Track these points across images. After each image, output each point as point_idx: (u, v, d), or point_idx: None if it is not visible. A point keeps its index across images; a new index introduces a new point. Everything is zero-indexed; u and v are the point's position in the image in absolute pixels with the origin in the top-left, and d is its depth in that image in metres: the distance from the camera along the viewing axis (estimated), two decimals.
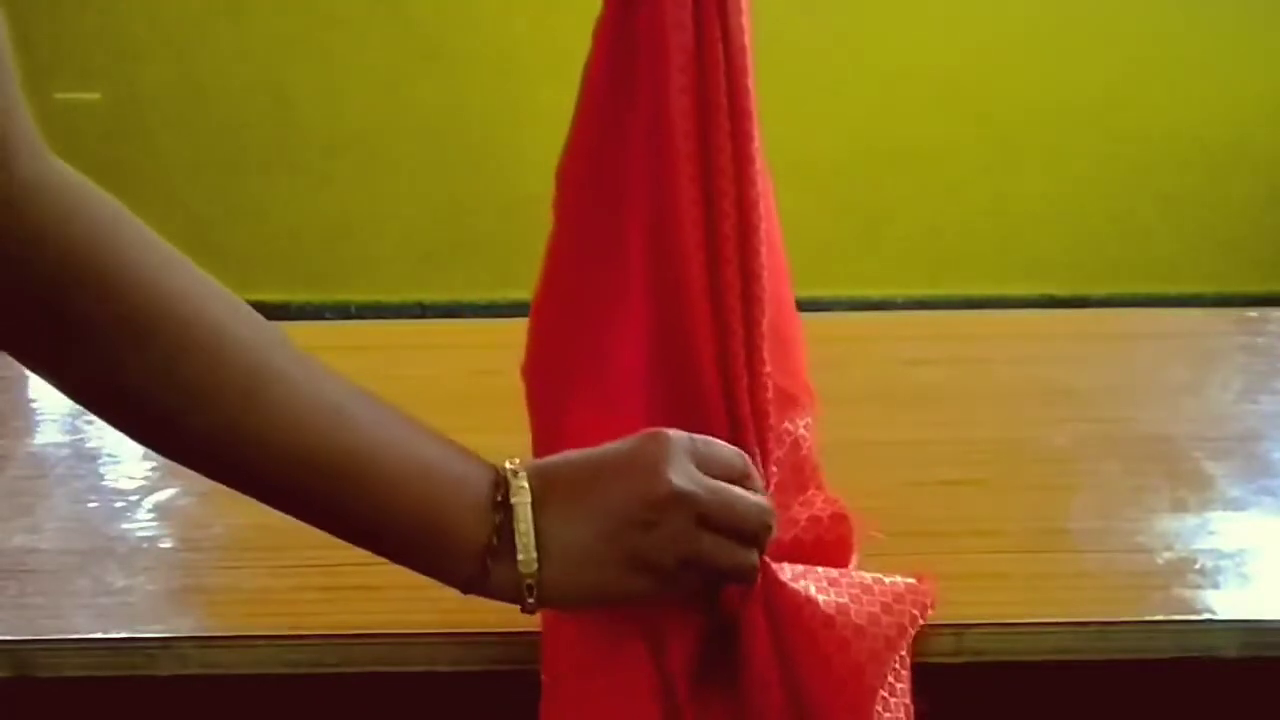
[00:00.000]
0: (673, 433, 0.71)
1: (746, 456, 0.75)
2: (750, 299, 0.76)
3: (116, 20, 2.91)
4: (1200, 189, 3.02)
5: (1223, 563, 0.92)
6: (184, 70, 2.96)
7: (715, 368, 0.77)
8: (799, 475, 0.82)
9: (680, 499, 0.69)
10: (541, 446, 0.80)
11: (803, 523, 0.80)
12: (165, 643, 0.86)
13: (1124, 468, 1.03)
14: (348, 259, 3.07)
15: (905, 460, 1.04)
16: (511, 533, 0.67)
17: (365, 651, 0.85)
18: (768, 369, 0.77)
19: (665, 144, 0.76)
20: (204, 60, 2.95)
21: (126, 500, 1.00)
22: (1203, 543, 0.94)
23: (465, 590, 0.69)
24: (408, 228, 3.05)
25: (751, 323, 0.76)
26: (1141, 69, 2.96)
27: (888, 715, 0.76)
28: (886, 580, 0.79)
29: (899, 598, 0.78)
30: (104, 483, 1.02)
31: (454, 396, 1.09)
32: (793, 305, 0.85)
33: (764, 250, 0.77)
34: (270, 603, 0.89)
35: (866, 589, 0.77)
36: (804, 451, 0.83)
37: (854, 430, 1.08)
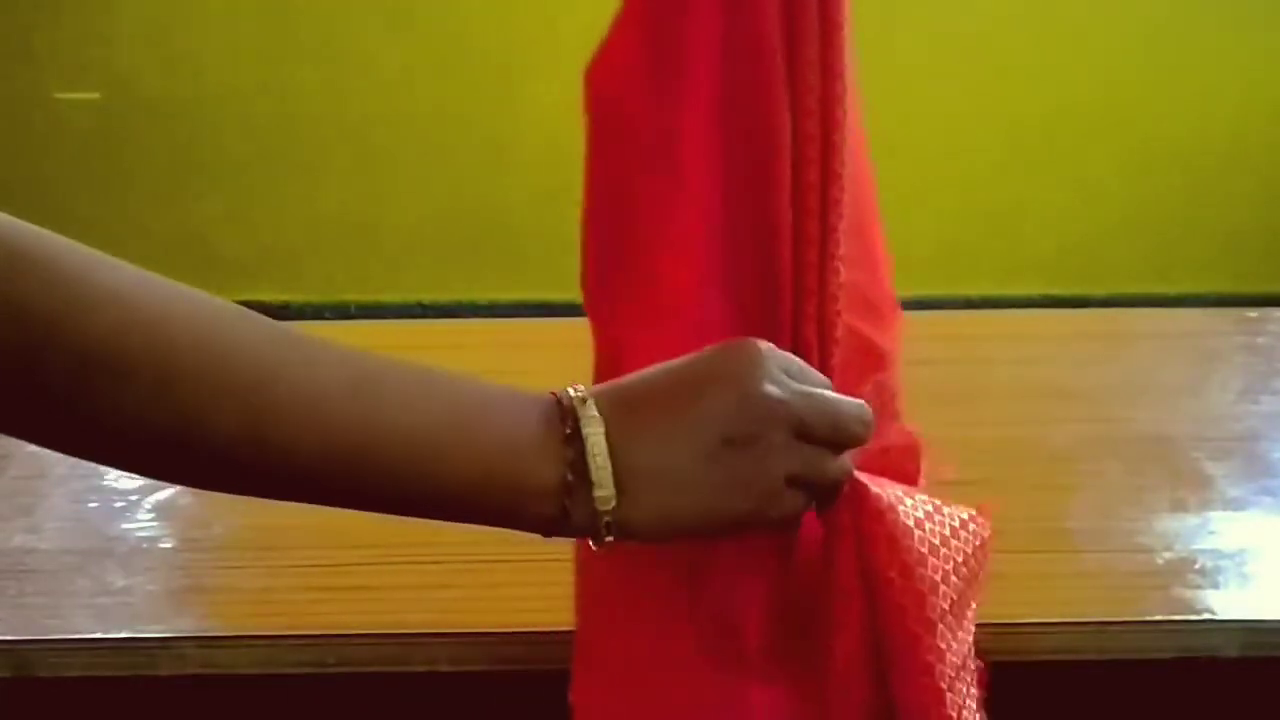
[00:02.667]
0: (758, 341, 0.65)
1: (819, 371, 0.70)
2: (829, 202, 0.71)
3: (116, 21, 2.91)
4: (1201, 189, 3.02)
5: (1223, 563, 0.92)
6: (183, 71, 2.95)
7: (790, 274, 0.71)
8: (880, 395, 0.76)
9: (781, 408, 0.63)
10: (604, 369, 0.73)
11: (873, 451, 0.73)
12: (165, 642, 0.86)
13: (1124, 467, 1.03)
14: (347, 259, 3.07)
15: None
16: (586, 467, 0.61)
17: (365, 651, 0.85)
18: (841, 278, 0.72)
19: (743, 32, 0.71)
20: (203, 61, 2.95)
21: (126, 500, 1.00)
22: (1203, 543, 0.94)
23: (547, 534, 0.63)
24: (408, 228, 3.05)
25: (829, 229, 0.71)
26: (1142, 70, 2.96)
27: (955, 646, 0.72)
28: (945, 509, 0.75)
29: (963, 524, 0.74)
30: (104, 483, 1.02)
31: None
32: (877, 215, 0.80)
33: (847, 152, 0.72)
34: (270, 602, 0.89)
35: (936, 509, 0.73)
36: (887, 371, 0.77)
37: None
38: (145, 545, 0.95)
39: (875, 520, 0.70)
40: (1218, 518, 0.97)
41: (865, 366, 0.76)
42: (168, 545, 0.95)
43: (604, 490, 0.61)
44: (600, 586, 0.74)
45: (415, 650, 0.85)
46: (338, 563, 0.85)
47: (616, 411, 0.62)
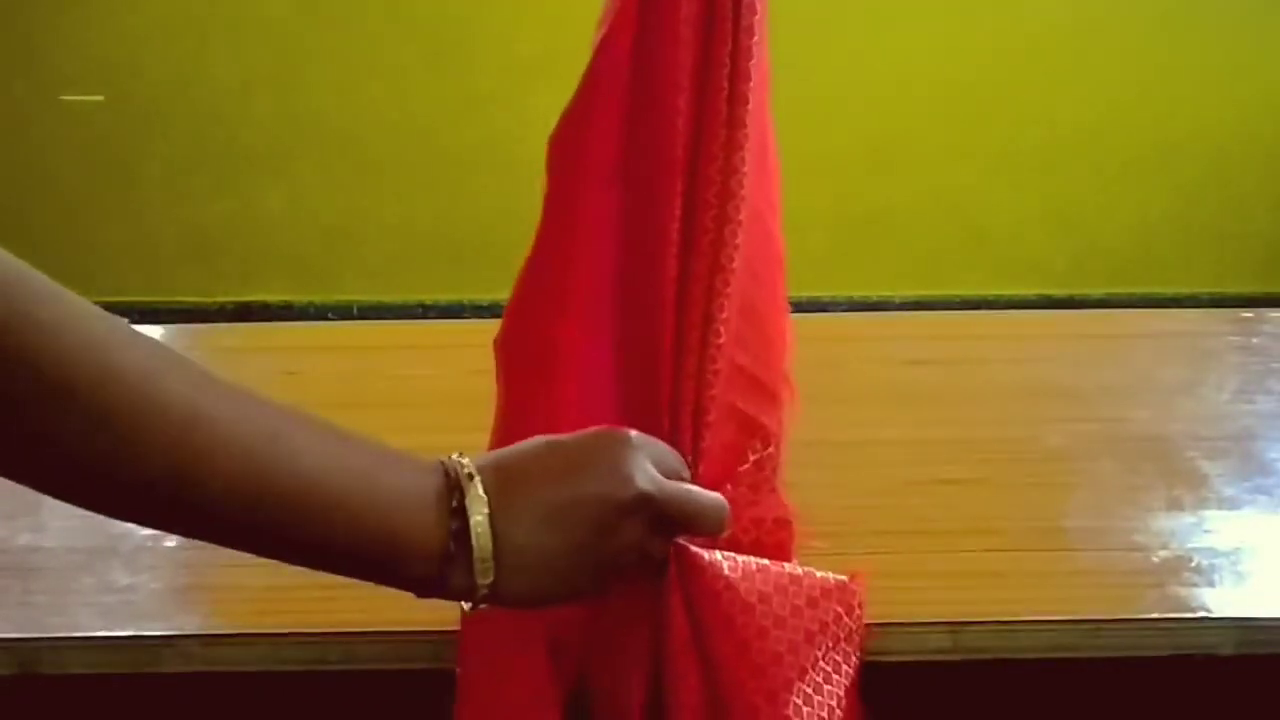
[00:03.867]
0: (632, 433, 0.71)
1: (681, 458, 0.75)
2: (714, 293, 0.75)
3: (120, 24, 2.92)
4: (1197, 191, 3.02)
5: (1218, 561, 0.93)
6: (186, 73, 2.96)
7: (670, 357, 0.76)
8: (760, 472, 0.82)
9: (645, 504, 0.69)
10: (503, 426, 0.79)
11: (744, 522, 0.79)
12: (169, 640, 0.86)
13: (1120, 467, 1.04)
14: (350, 260, 3.07)
15: (903, 459, 1.05)
16: (468, 540, 0.66)
17: (368, 649, 0.86)
18: (718, 365, 0.76)
19: (658, 123, 0.75)
20: (206, 63, 2.95)
21: None
22: (1198, 541, 0.95)
23: (422, 595, 0.68)
24: (409, 228, 3.05)
25: (709, 317, 0.76)
26: (1140, 71, 2.96)
27: (808, 710, 0.76)
28: (817, 574, 0.79)
29: (826, 593, 0.78)
30: None
31: (454, 396, 1.09)
32: (783, 301, 0.85)
33: (740, 244, 0.76)
34: (273, 600, 0.89)
35: (795, 580, 0.78)
36: (771, 449, 0.82)
37: (853, 430, 1.09)
38: (149, 543, 0.95)
39: (712, 600, 0.75)
40: (1213, 516, 0.98)
41: (746, 445, 0.80)
42: (171, 543, 0.96)
43: (484, 565, 0.66)
44: (479, 637, 0.79)
45: (418, 648, 0.86)
46: None
47: (500, 491, 0.67)
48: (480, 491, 0.66)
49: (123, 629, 0.87)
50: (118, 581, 0.91)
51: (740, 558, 0.77)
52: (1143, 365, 1.20)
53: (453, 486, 0.66)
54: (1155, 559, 0.93)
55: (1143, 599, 0.89)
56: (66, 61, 2.94)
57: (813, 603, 0.77)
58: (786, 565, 0.79)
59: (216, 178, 3.02)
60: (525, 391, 0.78)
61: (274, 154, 3.01)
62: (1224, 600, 0.89)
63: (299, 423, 0.65)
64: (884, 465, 1.04)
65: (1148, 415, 1.11)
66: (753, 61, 0.75)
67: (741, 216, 0.76)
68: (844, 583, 0.80)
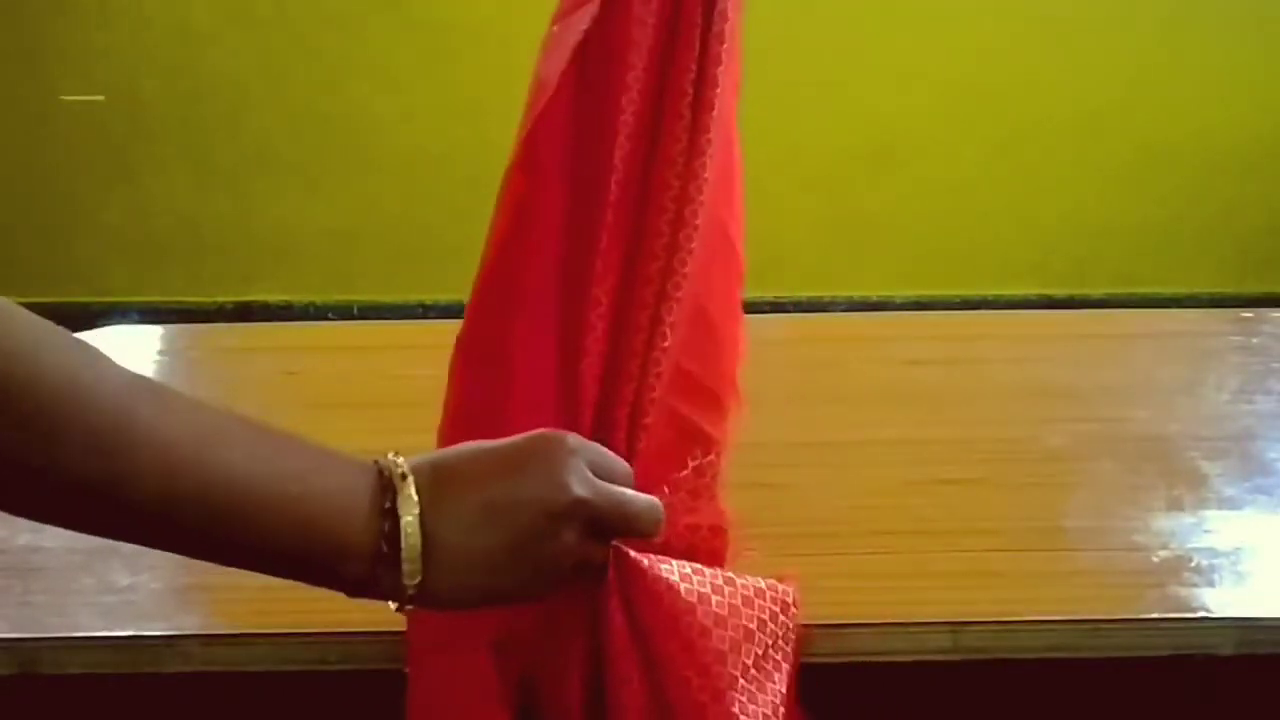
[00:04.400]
0: (569, 436, 0.71)
1: (624, 462, 0.74)
2: (664, 296, 0.75)
3: (121, 25, 2.92)
4: (1197, 190, 3.02)
5: (1218, 561, 0.93)
6: (186, 73, 2.96)
7: (603, 360, 0.76)
8: (699, 479, 0.81)
9: (582, 508, 0.69)
10: (450, 424, 0.78)
11: (679, 528, 0.79)
12: (169, 640, 0.86)
13: (1120, 467, 1.04)
14: (350, 260, 3.08)
15: (903, 459, 1.05)
16: (399, 541, 0.65)
17: (368, 649, 0.86)
18: (661, 369, 0.76)
19: (603, 122, 0.75)
20: (206, 63, 2.96)
21: None
22: (1198, 541, 0.95)
23: (354, 595, 0.67)
24: (410, 228, 3.05)
25: (657, 320, 0.75)
26: (1139, 71, 2.96)
27: (753, 708, 0.76)
28: (745, 579, 0.79)
29: (759, 593, 0.78)
30: None
31: None
32: (737, 308, 0.84)
33: (694, 251, 0.75)
34: (273, 600, 0.89)
35: (729, 581, 0.77)
36: (712, 456, 0.82)
37: (853, 430, 1.09)
38: None
39: (654, 601, 0.74)
40: (1213, 516, 0.98)
41: (686, 451, 0.80)
42: None
43: (411, 566, 0.66)
44: (425, 638, 0.79)
45: None
46: None
47: (433, 492, 0.66)
48: (412, 492, 0.66)
49: (123, 629, 0.87)
50: (118, 581, 0.91)
51: (675, 562, 0.77)
52: (1143, 365, 1.20)
53: (385, 486, 0.66)
54: (1155, 559, 0.93)
55: (1143, 599, 0.89)
56: (66, 61, 2.94)
57: (748, 602, 0.77)
58: (718, 570, 0.78)
59: (216, 178, 3.02)
60: (474, 389, 0.78)
61: (273, 154, 3.01)
62: (1224, 600, 0.89)
63: (231, 424, 0.64)
64: (884, 465, 1.04)
65: (1148, 415, 1.11)
66: (720, 68, 0.75)
67: (699, 221, 0.75)
68: (774, 584, 0.79)
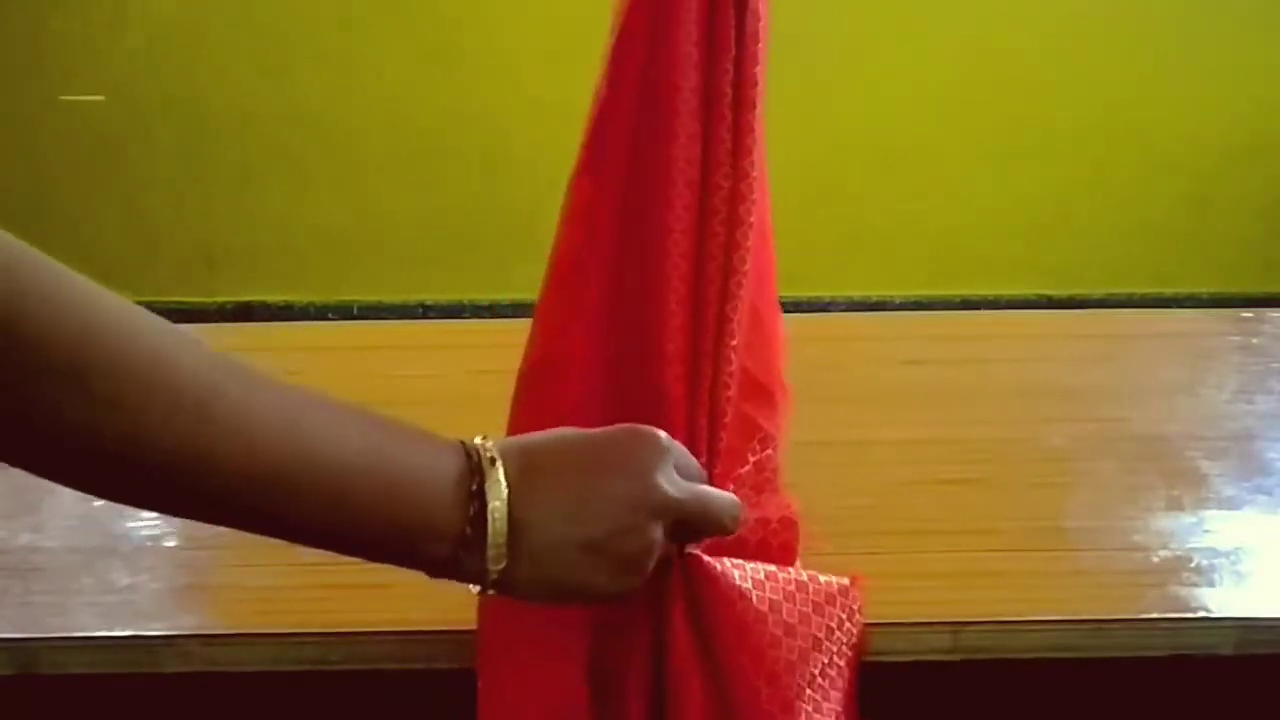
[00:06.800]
0: (662, 434, 0.70)
1: (697, 462, 0.75)
2: (728, 295, 0.76)
3: (120, 25, 2.92)
4: (1197, 191, 3.02)
5: (1218, 561, 0.93)
6: (186, 73, 2.96)
7: (683, 362, 0.76)
8: (760, 473, 0.82)
9: (671, 508, 0.69)
10: (528, 380, 0.79)
11: (751, 523, 0.79)
12: (169, 640, 0.86)
13: (1120, 467, 1.04)
14: (350, 260, 3.07)
15: (903, 459, 1.05)
16: (485, 525, 0.65)
17: (368, 649, 0.86)
18: (733, 367, 0.77)
19: (664, 131, 0.75)
20: (206, 63, 2.95)
21: None
22: (1198, 541, 0.95)
23: (435, 575, 0.67)
24: (409, 228, 3.05)
25: (724, 319, 0.76)
26: (1140, 71, 2.96)
27: (819, 717, 0.77)
28: (821, 579, 0.79)
29: (830, 599, 0.79)
30: None
31: (454, 396, 1.10)
32: (776, 302, 0.85)
33: (750, 249, 0.76)
34: (273, 600, 0.89)
35: (801, 587, 0.78)
36: (769, 450, 0.82)
37: (852, 430, 1.09)
38: (149, 543, 0.96)
39: (726, 609, 0.75)
40: (1213, 516, 0.98)
41: (747, 446, 0.81)
42: (172, 543, 0.96)
43: (497, 551, 0.65)
44: (499, 627, 0.78)
45: (419, 648, 0.86)
46: (341, 561, 0.85)
47: (521, 480, 0.66)
48: (500, 476, 0.65)
49: (123, 629, 0.87)
50: (118, 581, 0.91)
51: (749, 565, 0.77)
52: (1143, 365, 1.20)
53: (474, 469, 0.65)
54: (1155, 559, 0.93)
55: (1143, 599, 0.89)
56: (66, 61, 2.94)
57: (818, 609, 0.77)
58: (790, 570, 0.79)
59: (216, 178, 3.02)
60: (538, 394, 0.78)
61: (274, 154, 3.01)
62: (1224, 600, 0.89)
63: (316, 402, 0.64)
64: (884, 465, 1.04)
65: (1148, 415, 1.11)
66: (758, 68, 0.75)
67: (752, 219, 0.76)
68: (846, 587, 0.80)
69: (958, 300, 2.95)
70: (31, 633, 0.87)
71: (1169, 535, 0.95)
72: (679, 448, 0.72)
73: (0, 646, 0.86)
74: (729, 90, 0.75)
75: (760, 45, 0.75)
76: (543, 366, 0.79)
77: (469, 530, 0.65)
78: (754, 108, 0.75)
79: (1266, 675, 0.89)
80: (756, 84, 0.75)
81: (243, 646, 0.86)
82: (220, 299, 3.06)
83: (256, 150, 3.00)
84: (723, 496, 0.73)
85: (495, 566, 0.65)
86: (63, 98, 2.94)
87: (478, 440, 0.67)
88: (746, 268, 0.76)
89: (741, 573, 0.76)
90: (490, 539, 0.65)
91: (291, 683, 0.87)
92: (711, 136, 0.75)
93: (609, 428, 0.70)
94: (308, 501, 0.62)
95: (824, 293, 2.85)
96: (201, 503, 0.62)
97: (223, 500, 0.62)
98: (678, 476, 0.70)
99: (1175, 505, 0.99)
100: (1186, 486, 1.01)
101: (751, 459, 0.81)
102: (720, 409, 0.77)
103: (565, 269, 0.79)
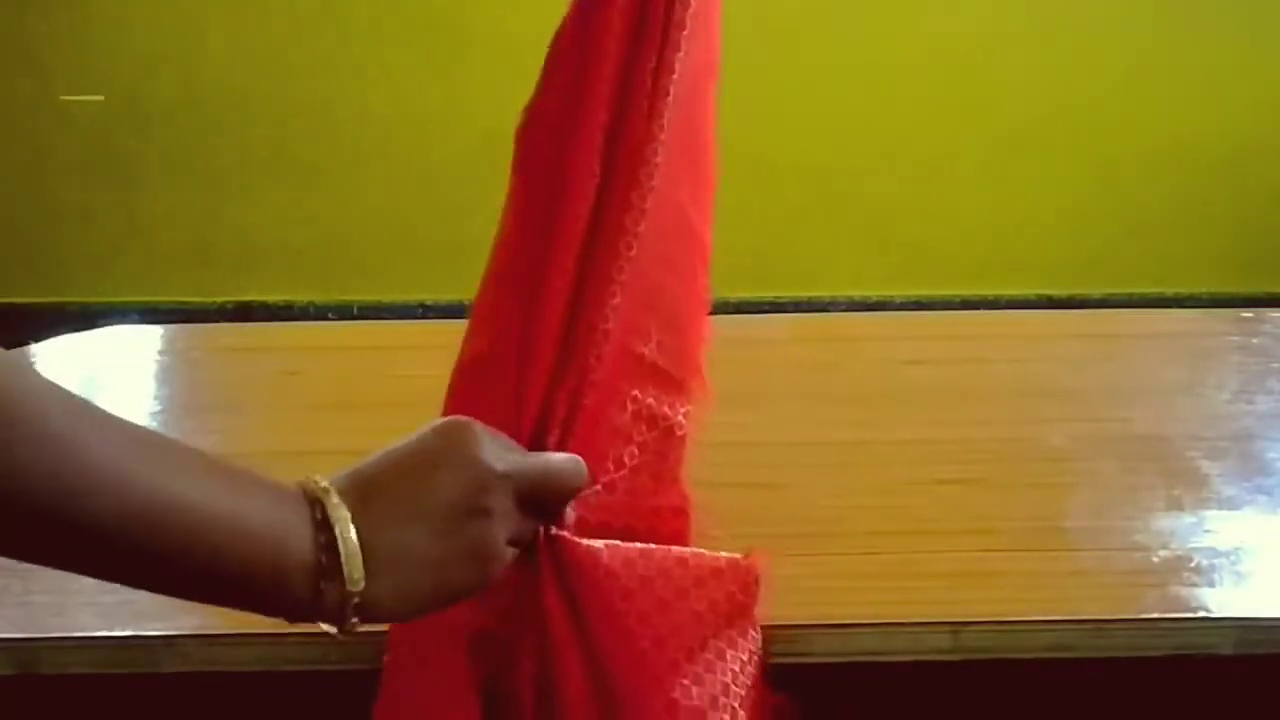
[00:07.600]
0: (466, 419, 0.70)
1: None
2: (607, 279, 0.76)
3: (120, 25, 2.92)
4: (1197, 190, 3.02)
5: (1218, 561, 0.93)
6: (186, 73, 2.96)
7: (553, 344, 0.77)
8: (662, 461, 0.81)
9: (502, 480, 0.69)
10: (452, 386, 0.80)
11: (642, 510, 0.79)
12: (169, 640, 0.86)
13: (1120, 467, 1.04)
14: (350, 259, 3.08)
15: (903, 459, 1.05)
16: (337, 549, 0.65)
17: (368, 649, 0.86)
18: (602, 351, 0.76)
19: (573, 122, 0.76)
20: (205, 63, 2.96)
21: None
22: (1198, 541, 0.95)
23: (292, 619, 0.66)
24: (409, 228, 3.05)
25: (600, 302, 0.76)
26: (1139, 71, 2.96)
27: (698, 690, 0.76)
28: (707, 555, 0.78)
29: (716, 573, 0.78)
30: None
31: None
32: (704, 299, 0.84)
33: (641, 232, 0.76)
34: None
35: (680, 562, 0.77)
36: (676, 437, 0.82)
37: (853, 430, 1.09)
38: None
39: (591, 589, 0.75)
40: (1213, 516, 0.98)
41: (637, 432, 0.80)
42: None
43: (354, 572, 0.65)
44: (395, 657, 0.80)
45: None
46: None
47: (358, 501, 0.66)
48: (337, 500, 0.65)
49: (123, 629, 0.87)
50: None
51: (623, 544, 0.76)
52: (1143, 365, 1.20)
53: (312, 501, 0.66)
54: (1155, 559, 0.93)
55: (1143, 599, 0.89)
56: (66, 61, 2.94)
57: (700, 583, 0.77)
58: (671, 549, 0.78)
59: (216, 178, 3.02)
60: (467, 391, 0.80)
61: (274, 154, 3.01)
62: (1225, 600, 0.89)
63: (164, 441, 0.64)
64: (884, 465, 1.04)
65: (1148, 415, 1.11)
66: (679, 54, 0.75)
67: (647, 205, 0.76)
68: (736, 560, 0.79)
69: (958, 300, 2.96)
70: (31, 633, 0.87)
71: (1169, 535, 0.95)
72: (497, 433, 0.72)
73: (0, 646, 0.86)
74: (649, 79, 0.75)
75: (685, 32, 0.76)
76: (473, 362, 0.80)
77: (324, 559, 0.65)
78: (667, 95, 0.75)
79: (1266, 675, 0.89)
80: (673, 71, 0.75)
81: (243, 646, 0.86)
82: (220, 299, 3.06)
83: (257, 150, 3.01)
84: (558, 456, 0.73)
85: (355, 589, 0.65)
86: (63, 98, 2.94)
87: (308, 477, 0.67)
88: (633, 253, 0.76)
89: (611, 551, 0.75)
90: (344, 559, 0.64)
91: (291, 683, 0.87)
92: (628, 127, 0.76)
93: (423, 429, 0.71)
94: (172, 541, 0.61)
95: (824, 293, 2.85)
96: (71, 549, 0.62)
97: (92, 545, 0.61)
98: (505, 452, 0.70)
99: (1175, 505, 0.99)
100: (1186, 486, 1.01)
101: (646, 446, 0.80)
102: (581, 390, 0.76)
103: (500, 265, 0.80)
